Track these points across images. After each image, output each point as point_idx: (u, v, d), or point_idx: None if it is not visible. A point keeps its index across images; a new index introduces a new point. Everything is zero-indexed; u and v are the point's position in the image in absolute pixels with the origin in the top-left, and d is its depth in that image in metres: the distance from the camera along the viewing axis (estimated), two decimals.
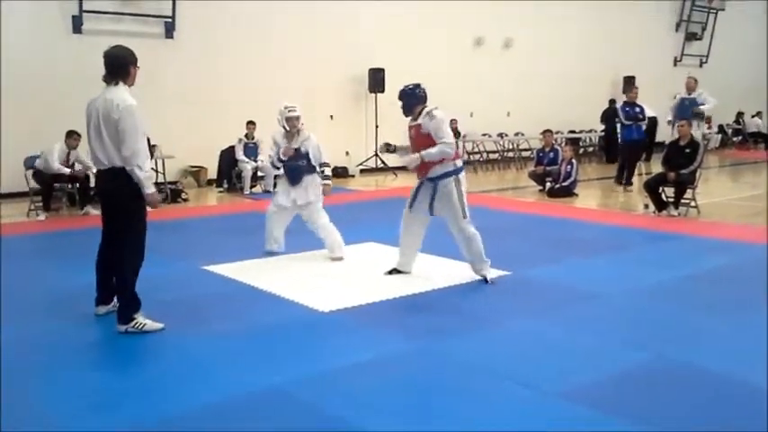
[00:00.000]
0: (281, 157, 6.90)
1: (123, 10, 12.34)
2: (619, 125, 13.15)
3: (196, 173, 13.30)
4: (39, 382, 3.99)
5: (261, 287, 5.97)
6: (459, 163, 6.10)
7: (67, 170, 9.99)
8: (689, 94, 12.20)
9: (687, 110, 11.95)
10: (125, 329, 4.76)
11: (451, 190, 5.98)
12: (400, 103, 6.19)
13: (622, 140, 13.23)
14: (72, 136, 10.05)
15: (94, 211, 10.02)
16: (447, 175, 5.97)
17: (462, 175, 6.08)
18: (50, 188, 10.02)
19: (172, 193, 11.40)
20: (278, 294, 5.75)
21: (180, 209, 10.94)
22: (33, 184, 10.16)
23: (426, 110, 6.04)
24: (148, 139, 4.97)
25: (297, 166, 6.96)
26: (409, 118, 6.19)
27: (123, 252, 4.80)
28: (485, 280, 6.09)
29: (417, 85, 6.25)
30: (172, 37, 12.91)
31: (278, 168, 7.13)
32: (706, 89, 13.29)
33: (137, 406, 3.67)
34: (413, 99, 6.14)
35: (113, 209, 4.83)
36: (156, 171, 11.51)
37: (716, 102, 12.67)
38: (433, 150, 5.87)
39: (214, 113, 13.14)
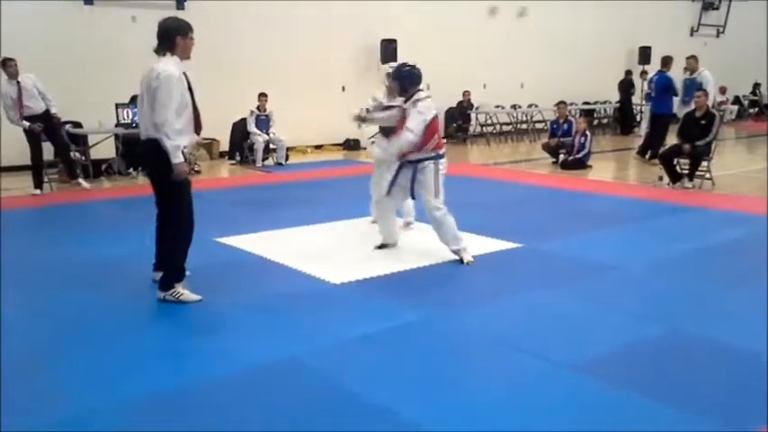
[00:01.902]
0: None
1: None
2: (678, 99, 12.39)
3: (208, 145, 13.30)
4: (50, 355, 4.03)
5: (272, 259, 5.99)
6: (441, 151, 6.01)
7: (26, 123, 9.33)
8: (690, 75, 11.93)
9: (689, 90, 11.69)
10: (163, 297, 4.83)
11: (430, 170, 5.91)
12: (396, 83, 6.04)
13: (658, 113, 12.43)
14: (5, 63, 9.29)
15: (85, 184, 10.01)
16: (428, 159, 5.91)
17: (443, 162, 5.99)
18: (39, 166, 9.63)
19: None
20: (289, 266, 5.76)
21: (193, 181, 10.91)
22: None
23: (415, 97, 5.90)
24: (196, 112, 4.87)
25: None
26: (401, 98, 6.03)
27: (172, 224, 4.90)
28: (461, 260, 5.93)
29: (414, 66, 6.09)
30: (183, 8, 12.81)
31: (363, 121, 6.57)
32: (723, 60, 13.00)
33: (152, 376, 3.70)
34: (409, 80, 5.98)
35: (156, 178, 4.91)
36: None
37: (714, 82, 12.22)
38: (395, 140, 5.84)
39: (226, 86, 13.09)
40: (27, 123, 9.37)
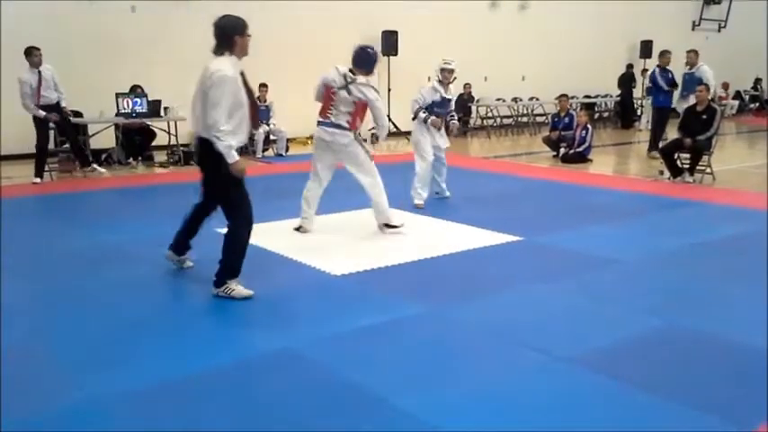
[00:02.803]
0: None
1: None
2: (656, 91, 12.52)
3: None
4: (53, 338, 4.04)
5: (273, 250, 5.99)
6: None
7: (42, 112, 9.39)
8: (690, 69, 11.90)
9: (689, 85, 11.67)
10: (216, 293, 4.75)
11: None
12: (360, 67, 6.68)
13: (659, 107, 12.54)
14: (31, 53, 9.36)
15: (100, 169, 10.01)
16: None
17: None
18: (44, 154, 9.66)
19: (184, 156, 11.40)
20: (290, 257, 5.76)
21: (192, 171, 10.90)
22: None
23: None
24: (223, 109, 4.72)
25: (444, 114, 8.14)
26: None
27: (232, 226, 4.82)
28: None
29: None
30: None
31: (424, 113, 7.89)
32: (724, 54, 12.96)
33: (153, 365, 3.70)
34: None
35: (208, 177, 4.88)
36: (169, 133, 11.50)
37: (713, 76, 12.21)
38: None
39: None
40: (43, 112, 9.43)
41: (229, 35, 4.71)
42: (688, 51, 12.15)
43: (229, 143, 4.54)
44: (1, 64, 10.90)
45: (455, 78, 8.13)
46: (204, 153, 4.66)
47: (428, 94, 7.96)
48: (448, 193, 8.30)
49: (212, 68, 4.57)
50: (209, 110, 4.50)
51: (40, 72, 9.43)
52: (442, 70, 7.98)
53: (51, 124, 9.66)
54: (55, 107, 9.60)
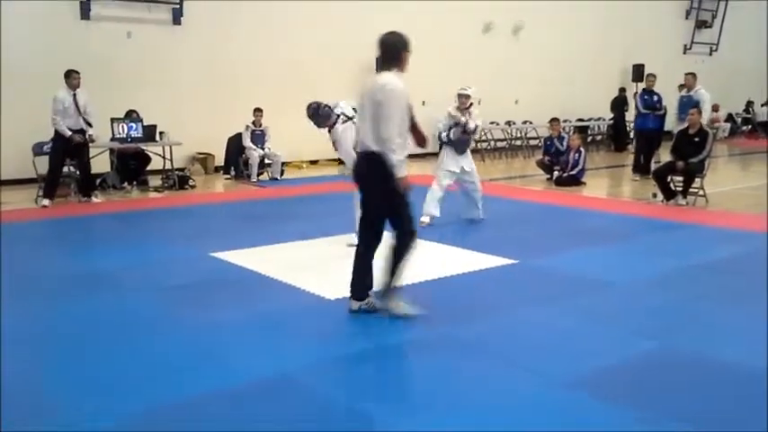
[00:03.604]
0: (451, 136, 8.23)
1: None
2: (635, 113, 12.89)
3: (203, 159, 13.30)
4: (48, 369, 4.01)
5: (268, 274, 5.98)
6: None
7: (69, 132, 9.53)
8: (687, 92, 12.04)
9: (685, 107, 11.82)
10: (384, 308, 4.81)
11: None
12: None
13: (637, 129, 13.00)
14: (70, 75, 9.66)
15: (96, 200, 10.03)
16: None
17: None
18: (57, 176, 9.83)
19: (179, 180, 11.42)
20: (285, 281, 5.75)
21: (187, 195, 10.96)
22: (41, 170, 10.13)
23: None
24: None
25: (466, 140, 8.30)
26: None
27: (401, 238, 4.78)
28: None
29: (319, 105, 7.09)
30: (179, 23, 12.87)
31: (445, 141, 8.33)
32: (716, 78, 13.09)
33: (147, 390, 3.68)
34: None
35: (370, 192, 4.81)
36: (164, 158, 11.52)
37: (709, 99, 12.39)
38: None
39: (221, 100, 13.13)
40: (69, 132, 9.58)
41: (399, 51, 4.76)
42: (686, 74, 12.27)
43: (402, 157, 4.56)
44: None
45: (471, 104, 8.28)
46: (372, 166, 4.62)
47: (446, 120, 8.34)
48: (481, 216, 8.42)
49: (383, 82, 4.60)
50: (383, 123, 4.50)
51: (75, 95, 9.63)
52: (459, 96, 8.29)
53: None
54: (78, 132, 9.72)
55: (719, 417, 3.40)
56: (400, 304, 4.80)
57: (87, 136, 9.83)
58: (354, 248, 5.08)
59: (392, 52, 4.75)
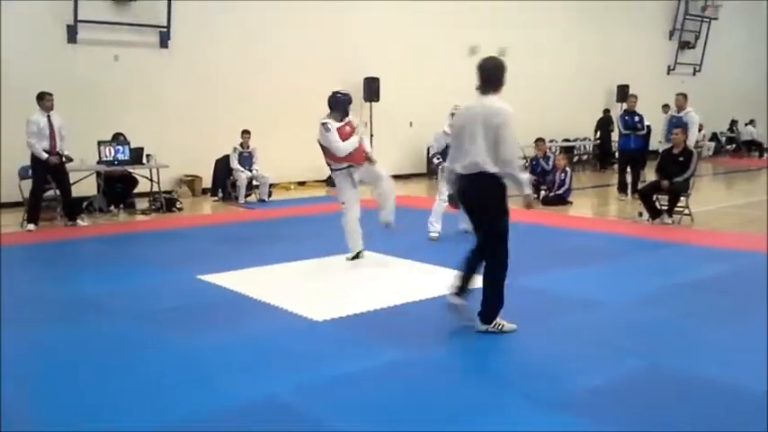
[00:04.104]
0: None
1: (118, 19, 12.36)
2: (618, 134, 13.09)
3: (191, 182, 13.29)
4: (35, 395, 3.97)
5: (255, 296, 5.96)
6: (339, 165, 7.26)
7: (45, 154, 9.47)
8: (677, 113, 12.16)
9: (675, 128, 11.93)
10: (486, 329, 4.89)
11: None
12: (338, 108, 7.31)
13: (619, 149, 13.18)
14: (44, 98, 9.57)
15: (82, 223, 9.98)
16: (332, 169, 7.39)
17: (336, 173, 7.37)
18: (38, 199, 9.74)
19: (166, 202, 11.40)
20: (273, 304, 5.73)
21: (175, 218, 10.93)
22: (27, 194, 10.08)
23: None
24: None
25: None
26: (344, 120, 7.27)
27: (491, 260, 4.96)
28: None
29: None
30: (167, 46, 12.93)
31: (436, 162, 8.77)
32: (700, 97, 13.21)
33: (132, 414, 3.65)
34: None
35: (478, 212, 4.99)
36: (151, 180, 11.51)
37: (698, 123, 12.55)
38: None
39: (209, 122, 13.16)
40: (45, 154, 9.53)
41: (501, 75, 4.98)
42: (677, 95, 12.39)
43: (526, 176, 4.86)
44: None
45: None
46: (488, 185, 4.79)
47: (440, 138, 8.65)
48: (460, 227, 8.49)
49: (496, 106, 4.83)
50: (505, 145, 4.71)
51: (49, 116, 9.58)
52: (451, 115, 8.24)
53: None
54: (56, 153, 9.68)
55: None
56: (502, 323, 4.95)
57: (63, 156, 9.78)
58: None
59: (494, 76, 4.97)
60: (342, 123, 7.20)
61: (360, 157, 7.24)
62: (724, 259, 7.36)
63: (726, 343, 4.77)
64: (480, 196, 4.90)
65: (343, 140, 7.10)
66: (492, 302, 4.91)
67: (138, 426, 3.52)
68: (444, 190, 8.35)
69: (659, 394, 3.91)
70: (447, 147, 8.17)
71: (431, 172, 16.36)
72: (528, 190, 4.90)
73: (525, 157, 15.26)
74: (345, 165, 7.24)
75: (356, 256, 7.39)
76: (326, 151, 7.23)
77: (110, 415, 3.66)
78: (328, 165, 7.42)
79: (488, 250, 4.97)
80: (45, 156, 9.51)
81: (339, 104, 7.28)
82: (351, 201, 7.36)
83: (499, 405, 3.77)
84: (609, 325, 5.26)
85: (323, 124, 7.15)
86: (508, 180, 4.80)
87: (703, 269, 6.91)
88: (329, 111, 7.30)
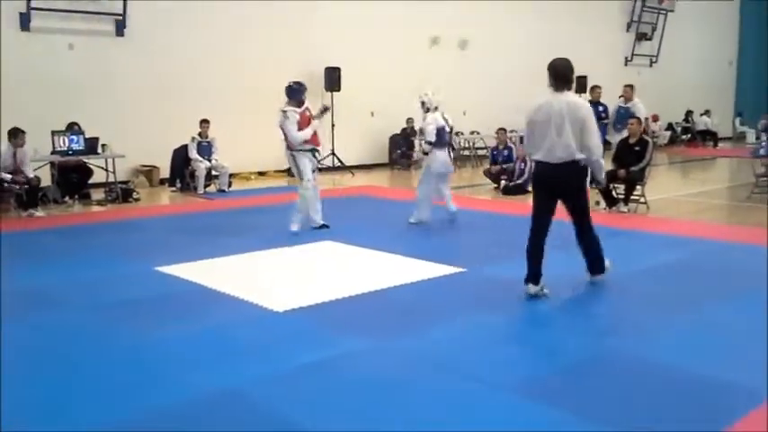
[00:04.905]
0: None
1: (73, 7, 12.07)
2: None
3: (148, 172, 13.09)
4: None
5: (215, 287, 5.90)
6: (303, 146, 8.13)
7: (8, 176, 9.72)
8: (625, 103, 12.32)
9: (622, 118, 12.11)
10: (599, 279, 5.85)
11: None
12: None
13: None
14: (18, 136, 9.83)
15: (38, 213, 9.81)
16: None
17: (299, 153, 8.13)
18: None
19: (123, 193, 11.20)
20: (232, 295, 5.68)
21: (131, 209, 10.76)
22: None
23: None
24: None
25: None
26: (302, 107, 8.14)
27: (589, 228, 5.71)
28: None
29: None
30: (123, 35, 12.68)
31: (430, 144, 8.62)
32: (657, 88, 13.41)
33: (91, 409, 3.60)
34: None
35: (569, 195, 5.59)
36: (106, 170, 11.30)
37: (646, 113, 12.75)
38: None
39: (166, 112, 12.95)
40: (9, 176, 9.76)
41: (571, 74, 5.55)
42: (625, 86, 12.55)
43: (602, 161, 5.59)
44: None
45: (428, 110, 8.66)
46: (575, 171, 5.45)
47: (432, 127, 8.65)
48: (453, 210, 8.84)
49: (578, 102, 5.49)
50: (592, 135, 5.36)
51: (15, 152, 9.86)
52: (422, 103, 8.75)
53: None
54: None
55: (661, 419, 3.47)
56: (608, 263, 5.87)
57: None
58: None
59: (566, 75, 5.52)
60: (301, 110, 8.09)
61: (317, 140, 8.31)
62: (678, 247, 7.50)
63: (681, 329, 4.86)
64: (571, 179, 5.50)
65: (303, 126, 8.01)
66: (599, 256, 5.78)
67: (94, 421, 3.46)
68: (427, 179, 8.59)
69: (615, 380, 3.97)
70: (438, 135, 8.51)
71: (392, 162, 16.44)
72: (602, 175, 5.82)
73: (486, 147, 15.39)
74: (309, 147, 8.17)
75: (323, 227, 8.22)
76: (285, 136, 8.07)
77: (64, 411, 3.60)
78: (289, 147, 8.12)
79: (582, 221, 5.68)
80: (9, 177, 9.73)
81: (295, 94, 8.18)
82: (312, 177, 8.15)
83: (460, 391, 3.79)
84: (565, 311, 5.34)
85: (283, 112, 8.00)
86: (593, 165, 5.53)
87: (659, 256, 7.03)
88: (287, 100, 8.15)
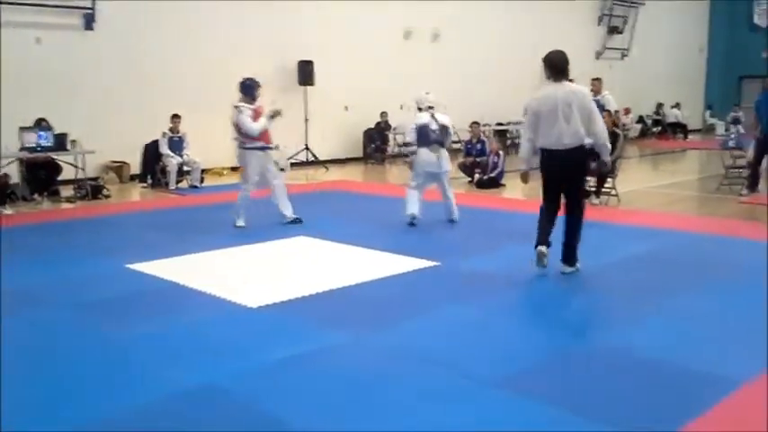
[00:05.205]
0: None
1: (40, 1, 11.85)
2: None
3: (118, 168, 12.92)
4: None
5: (187, 284, 5.84)
6: (253, 144, 8.15)
7: None
8: (594, 96, 12.39)
9: None
10: (570, 271, 5.97)
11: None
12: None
13: None
14: None
15: (7, 211, 9.65)
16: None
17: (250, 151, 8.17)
18: None
19: (93, 190, 11.04)
20: (205, 291, 5.63)
21: (101, 206, 10.62)
22: None
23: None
24: None
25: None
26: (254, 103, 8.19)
27: (580, 213, 5.98)
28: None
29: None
30: (92, 28, 12.48)
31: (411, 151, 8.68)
32: (628, 81, 13.48)
33: (67, 408, 3.55)
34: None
35: (572, 181, 5.92)
36: (76, 167, 11.13)
37: (616, 105, 12.85)
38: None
39: (136, 107, 12.79)
40: None
41: (566, 66, 5.84)
42: (593, 79, 12.63)
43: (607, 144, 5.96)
44: None
45: (420, 109, 8.79)
46: (582, 155, 5.85)
47: (412, 128, 8.78)
48: (455, 218, 8.53)
49: (582, 91, 5.83)
50: (596, 121, 5.76)
51: None
52: (419, 109, 8.86)
53: None
54: None
55: (642, 410, 3.50)
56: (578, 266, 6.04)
57: None
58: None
59: (561, 67, 5.82)
60: (254, 106, 8.15)
61: (268, 138, 8.26)
62: (649, 238, 7.57)
63: (654, 320, 4.90)
64: (577, 164, 5.87)
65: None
66: (575, 247, 5.98)
67: (74, 419, 3.42)
68: (415, 178, 8.45)
69: (592, 372, 4.00)
70: (421, 134, 8.47)
71: (366, 156, 16.40)
72: (608, 156, 6.08)
73: (460, 141, 15.43)
74: (260, 144, 8.14)
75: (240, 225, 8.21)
76: (239, 130, 8.09)
77: (38, 410, 3.54)
78: (241, 144, 8.18)
79: (577, 205, 5.97)
80: None
81: (247, 90, 8.19)
82: (254, 178, 8.20)
83: (436, 385, 3.79)
84: (541, 304, 5.37)
85: (236, 107, 8.09)
86: (600, 148, 5.92)
87: (630, 248, 7.09)
88: (240, 96, 8.18)
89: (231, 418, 3.43)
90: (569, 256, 5.99)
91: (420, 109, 8.62)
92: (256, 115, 8.06)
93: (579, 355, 4.24)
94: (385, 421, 3.38)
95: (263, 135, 8.17)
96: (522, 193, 11.86)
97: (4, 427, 3.05)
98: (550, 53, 5.93)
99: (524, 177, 6.41)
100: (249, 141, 8.08)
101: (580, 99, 5.70)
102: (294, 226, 8.16)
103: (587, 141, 5.78)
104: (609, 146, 5.97)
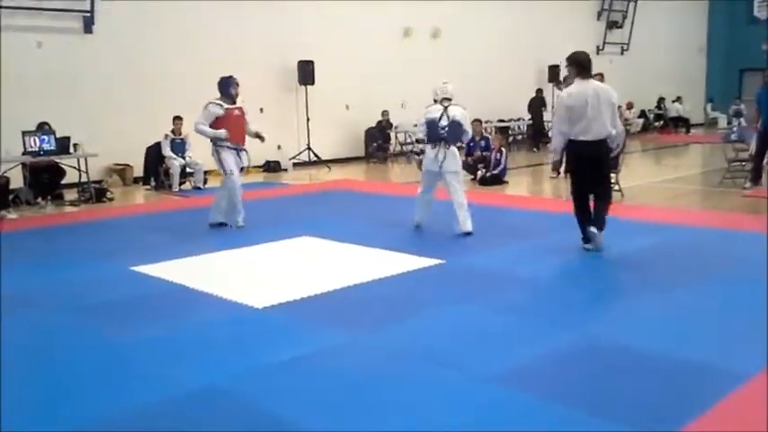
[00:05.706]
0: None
1: (40, 5, 11.87)
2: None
3: (121, 171, 12.94)
4: None
5: (192, 286, 5.85)
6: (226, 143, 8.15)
7: None
8: None
9: None
10: (597, 235, 6.50)
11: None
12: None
13: None
14: None
15: (11, 215, 9.67)
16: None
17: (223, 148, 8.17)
18: None
19: (96, 193, 11.07)
20: (210, 293, 5.64)
21: (105, 209, 10.64)
22: None
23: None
24: None
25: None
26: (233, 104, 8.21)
27: (608, 197, 6.70)
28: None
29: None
30: (91, 32, 12.50)
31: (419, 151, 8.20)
32: (629, 76, 13.45)
33: (73, 408, 3.56)
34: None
35: (601, 169, 6.56)
36: (79, 170, 11.15)
37: (618, 98, 12.81)
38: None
39: (138, 109, 12.81)
40: None
41: (590, 65, 6.54)
42: (594, 75, 12.61)
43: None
44: None
45: (435, 101, 7.99)
46: (606, 146, 6.46)
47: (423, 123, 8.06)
48: (465, 230, 7.61)
49: (608, 87, 6.56)
50: (618, 116, 6.60)
51: None
52: (434, 103, 8.11)
53: None
54: None
55: (643, 404, 3.50)
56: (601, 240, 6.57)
57: None
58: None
59: (586, 65, 6.50)
60: (233, 107, 8.11)
61: (242, 139, 8.23)
62: (653, 233, 7.57)
63: (656, 315, 4.90)
64: (606, 153, 6.51)
65: (230, 122, 8.03)
66: (604, 219, 6.61)
67: (77, 419, 3.42)
68: (422, 179, 7.97)
69: (595, 367, 4.00)
70: (428, 130, 7.78)
71: (368, 155, 16.40)
72: (620, 149, 7.05)
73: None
74: (232, 145, 8.13)
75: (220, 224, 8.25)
76: (217, 125, 8.03)
77: (46, 410, 3.55)
78: (213, 141, 8.16)
79: (604, 188, 6.69)
80: None
81: (222, 87, 8.21)
82: (235, 170, 8.14)
83: (440, 383, 3.80)
84: (545, 300, 5.36)
85: (206, 104, 8.13)
86: (616, 138, 6.55)
87: (634, 243, 7.08)
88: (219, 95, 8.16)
89: (237, 419, 3.43)
90: (600, 224, 6.55)
91: (435, 101, 7.89)
92: (228, 118, 8.02)
93: (582, 353, 4.24)
94: (386, 421, 3.38)
95: (234, 137, 8.12)
96: (526, 189, 11.89)
97: (3, 426, 3.05)
98: (576, 53, 6.55)
99: (556, 166, 7.51)
100: (219, 141, 8.10)
101: (607, 95, 6.35)
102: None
103: (612, 131, 6.36)
104: (624, 135, 6.77)
